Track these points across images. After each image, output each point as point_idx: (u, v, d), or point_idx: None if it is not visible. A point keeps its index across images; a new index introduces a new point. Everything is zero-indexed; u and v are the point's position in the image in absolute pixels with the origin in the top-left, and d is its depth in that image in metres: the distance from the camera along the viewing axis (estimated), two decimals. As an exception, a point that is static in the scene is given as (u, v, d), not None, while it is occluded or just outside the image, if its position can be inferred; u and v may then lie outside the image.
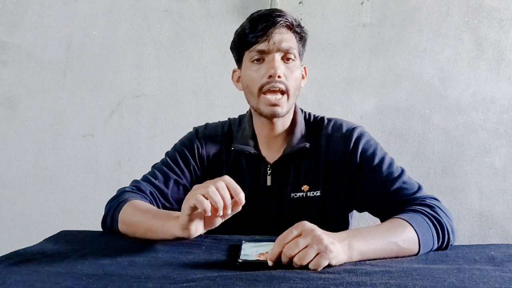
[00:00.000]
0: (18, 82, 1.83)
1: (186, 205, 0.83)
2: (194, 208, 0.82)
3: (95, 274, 0.73)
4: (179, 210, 1.15)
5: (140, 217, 0.97)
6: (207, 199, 0.80)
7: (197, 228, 0.86)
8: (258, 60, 1.09)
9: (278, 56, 1.08)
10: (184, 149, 1.19)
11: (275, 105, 1.08)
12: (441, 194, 1.68)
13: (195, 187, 0.84)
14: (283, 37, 1.08)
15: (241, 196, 0.82)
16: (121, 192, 1.10)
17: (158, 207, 1.12)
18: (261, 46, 1.07)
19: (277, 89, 1.07)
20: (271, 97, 1.07)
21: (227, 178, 0.83)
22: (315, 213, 1.13)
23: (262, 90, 1.08)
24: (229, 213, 0.84)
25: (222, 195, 0.81)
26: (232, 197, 0.82)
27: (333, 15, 1.74)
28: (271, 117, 1.11)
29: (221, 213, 0.81)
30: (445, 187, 1.72)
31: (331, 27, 1.74)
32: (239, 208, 0.84)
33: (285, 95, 1.08)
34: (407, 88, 1.73)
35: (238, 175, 1.17)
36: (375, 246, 0.84)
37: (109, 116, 1.82)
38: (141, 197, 1.08)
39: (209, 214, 0.80)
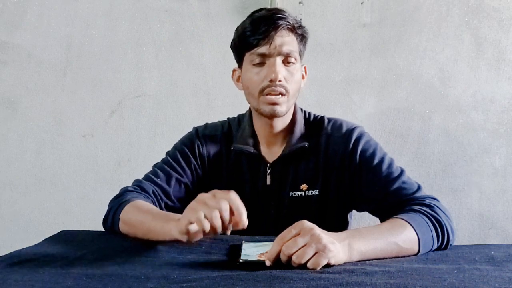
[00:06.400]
0: (18, 82, 1.83)
1: (187, 217, 0.80)
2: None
3: (95, 274, 0.73)
4: (180, 208, 1.17)
5: (141, 218, 0.97)
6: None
7: (196, 234, 0.83)
8: (259, 63, 1.09)
9: (279, 59, 1.08)
10: (185, 148, 1.19)
11: (275, 103, 1.08)
12: (441, 194, 1.68)
13: (200, 197, 0.81)
14: (284, 40, 1.07)
15: (244, 218, 0.79)
16: (124, 192, 1.10)
17: (161, 206, 1.12)
18: (262, 49, 1.07)
19: (278, 92, 1.07)
20: (271, 96, 1.08)
21: (233, 196, 0.80)
22: (314, 212, 1.13)
23: (262, 93, 1.08)
24: (228, 233, 0.81)
25: (223, 217, 0.78)
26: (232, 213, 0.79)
27: (333, 15, 1.74)
28: (271, 117, 1.11)
29: (219, 232, 0.79)
30: (445, 187, 1.72)
31: (331, 27, 1.74)
32: (242, 227, 0.80)
33: (285, 96, 1.09)
34: (407, 88, 1.73)
35: (238, 174, 1.17)
36: (375, 246, 0.84)
37: (109, 116, 1.82)
38: (144, 197, 1.08)
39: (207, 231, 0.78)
